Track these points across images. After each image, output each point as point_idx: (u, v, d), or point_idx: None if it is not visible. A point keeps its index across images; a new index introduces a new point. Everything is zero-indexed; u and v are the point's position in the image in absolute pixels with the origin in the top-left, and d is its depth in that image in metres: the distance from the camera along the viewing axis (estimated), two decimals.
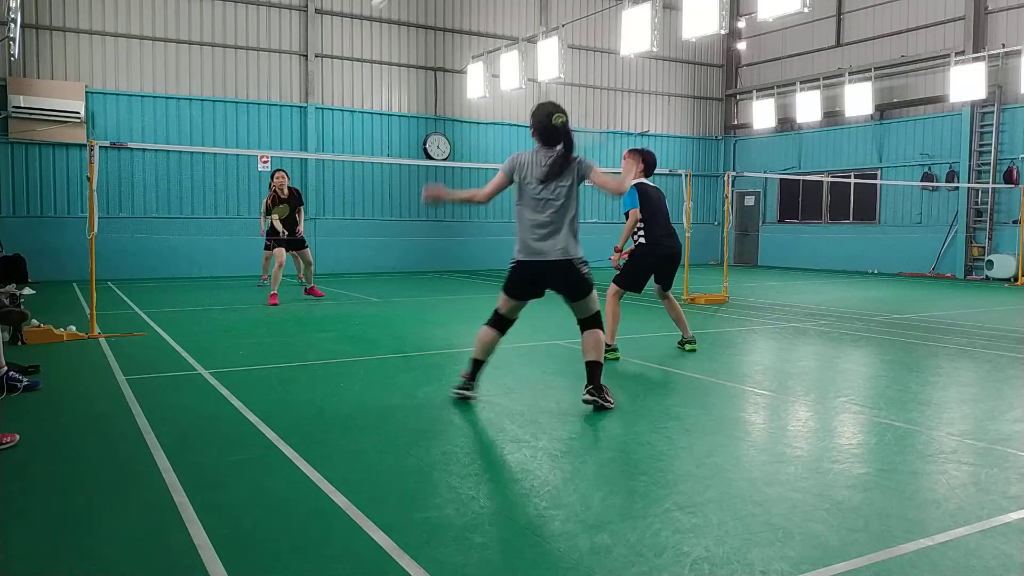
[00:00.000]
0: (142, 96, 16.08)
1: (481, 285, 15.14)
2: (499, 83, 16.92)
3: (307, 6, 17.56)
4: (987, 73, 16.58)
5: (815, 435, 4.60)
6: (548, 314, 10.13)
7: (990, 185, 17.29)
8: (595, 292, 5.05)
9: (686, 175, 12.42)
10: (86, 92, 15.44)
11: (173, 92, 16.39)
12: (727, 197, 13.36)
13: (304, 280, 11.92)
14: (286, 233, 11.16)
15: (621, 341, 7.29)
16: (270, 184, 11.49)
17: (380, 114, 18.60)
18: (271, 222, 11.28)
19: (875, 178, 19.66)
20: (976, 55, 17.03)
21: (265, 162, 17.27)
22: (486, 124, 19.86)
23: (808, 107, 20.05)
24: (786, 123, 21.57)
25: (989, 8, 17.49)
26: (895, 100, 19.37)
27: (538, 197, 4.93)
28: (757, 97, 21.93)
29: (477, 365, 5.21)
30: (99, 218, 8.40)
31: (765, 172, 21.25)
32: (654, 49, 12.90)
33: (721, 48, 23.36)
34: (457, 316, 10.26)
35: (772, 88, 21.76)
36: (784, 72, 21.91)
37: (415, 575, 2.67)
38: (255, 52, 17.19)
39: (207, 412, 4.95)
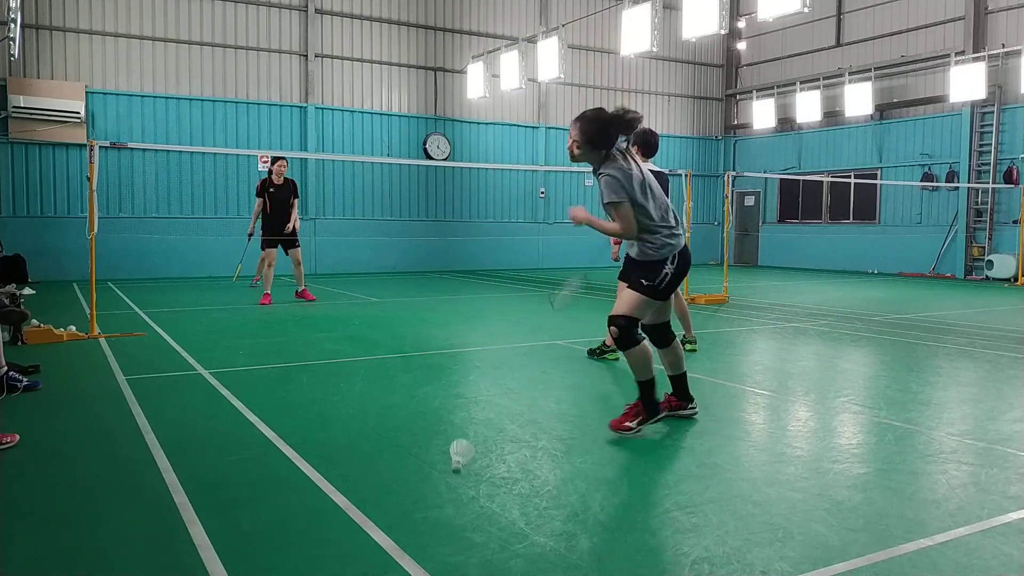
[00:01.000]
0: (142, 96, 16.07)
1: (481, 285, 15.14)
2: (499, 83, 16.91)
3: (307, 6, 17.56)
4: (987, 73, 16.58)
5: (815, 435, 4.60)
6: (548, 314, 10.13)
7: (990, 185, 17.28)
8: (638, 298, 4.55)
9: (686, 175, 12.42)
10: (86, 92, 15.44)
11: (173, 92, 16.39)
12: (727, 197, 13.36)
13: (296, 282, 11.77)
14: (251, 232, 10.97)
15: None
16: (269, 170, 11.27)
17: (380, 114, 18.60)
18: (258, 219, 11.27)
19: (875, 178, 19.66)
20: (976, 55, 17.03)
21: (265, 162, 17.25)
22: (486, 124, 19.87)
23: (808, 107, 20.05)
24: (786, 123, 21.57)
25: (989, 8, 17.49)
26: (895, 100, 19.36)
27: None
28: (757, 97, 21.93)
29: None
30: (99, 218, 8.40)
31: (765, 172, 21.26)
32: (654, 49, 12.89)
33: (721, 48, 23.36)
34: (457, 316, 10.26)
35: (772, 88, 21.76)
36: (784, 72, 21.90)
37: (415, 575, 2.67)
38: (255, 52, 17.19)
39: (207, 412, 4.95)
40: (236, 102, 16.98)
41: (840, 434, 4.65)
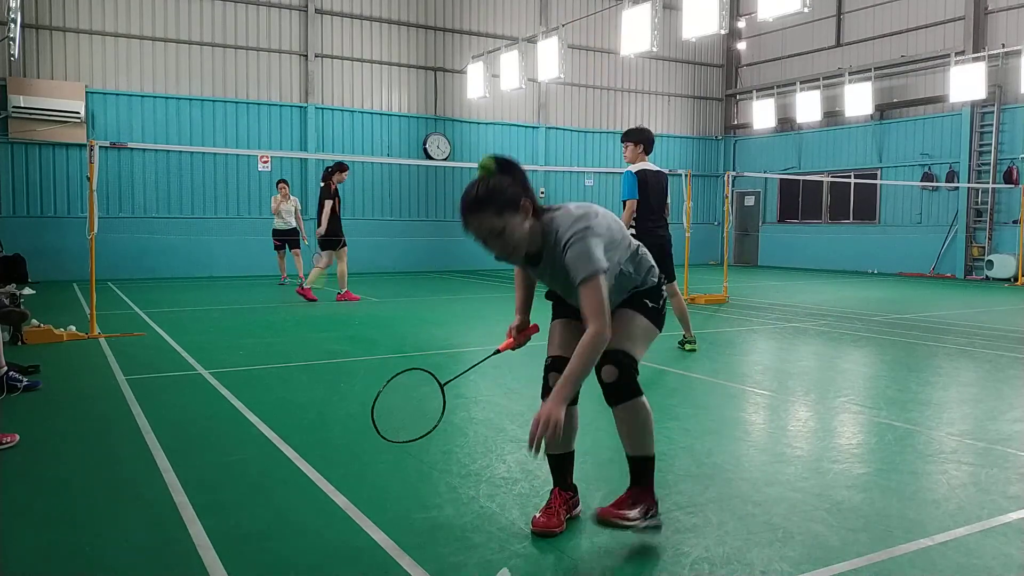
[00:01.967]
0: (142, 96, 16.07)
1: (481, 285, 15.14)
2: (499, 83, 16.92)
3: (307, 6, 17.56)
4: (987, 73, 16.58)
5: (815, 435, 4.60)
6: (548, 315, 10.14)
7: (990, 185, 17.29)
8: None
9: (686, 175, 12.42)
10: (86, 92, 15.44)
11: (173, 92, 16.39)
12: (727, 197, 13.36)
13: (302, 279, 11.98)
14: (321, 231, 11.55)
15: None
16: (332, 179, 11.54)
17: (380, 114, 18.60)
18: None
19: (875, 178, 19.66)
20: (976, 55, 17.03)
21: (265, 162, 17.27)
22: (486, 124, 19.87)
23: (808, 107, 20.05)
24: (786, 123, 21.57)
25: (989, 8, 17.49)
26: (895, 100, 19.37)
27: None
28: (757, 97, 21.93)
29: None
30: (99, 218, 8.41)
31: (765, 172, 21.26)
32: (654, 49, 12.90)
33: (721, 48, 23.36)
34: (457, 316, 10.26)
35: (772, 88, 21.76)
36: (784, 72, 21.90)
37: (415, 575, 2.67)
38: (255, 52, 17.19)
39: (207, 412, 4.95)
40: (236, 102, 16.98)
41: (840, 434, 4.65)
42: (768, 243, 22.71)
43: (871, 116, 19.60)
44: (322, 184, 11.65)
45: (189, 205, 16.60)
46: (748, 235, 23.31)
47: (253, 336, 8.20)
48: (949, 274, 18.05)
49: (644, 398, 3.11)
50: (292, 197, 14.42)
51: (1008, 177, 17.02)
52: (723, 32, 11.85)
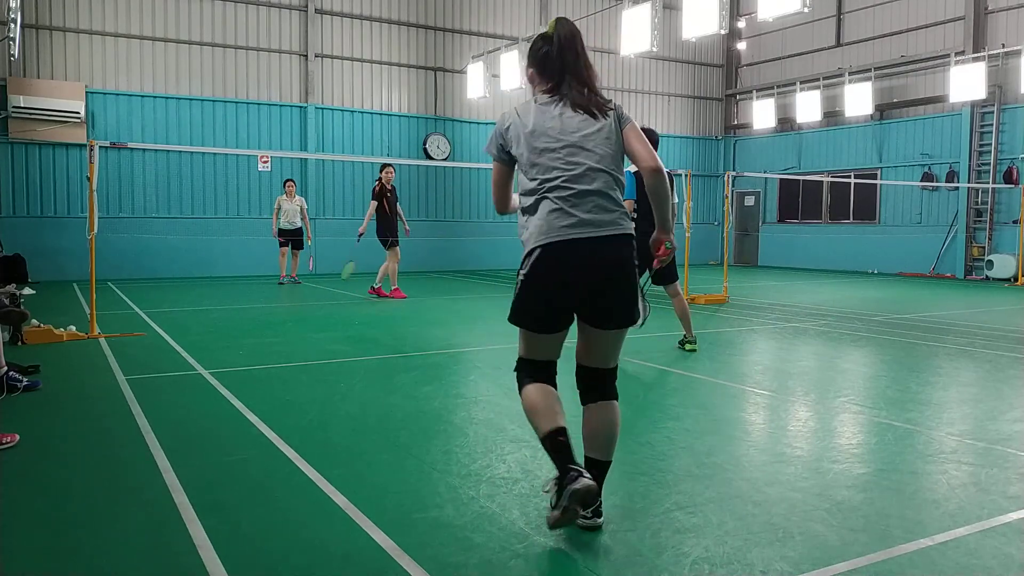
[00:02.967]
0: (142, 96, 16.07)
1: (481, 285, 15.15)
2: (499, 83, 16.92)
3: (307, 6, 17.56)
4: (987, 73, 16.58)
5: (815, 435, 4.60)
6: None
7: (990, 185, 17.28)
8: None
9: (686, 175, 12.42)
10: (86, 92, 15.44)
11: (173, 92, 16.39)
12: (727, 197, 13.36)
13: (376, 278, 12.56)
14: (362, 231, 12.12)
15: None
16: (380, 179, 12.07)
17: (380, 114, 18.60)
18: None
19: (875, 178, 19.66)
20: (976, 55, 17.03)
21: (265, 162, 17.27)
22: (486, 124, 19.86)
23: (808, 107, 20.05)
24: (786, 123, 21.57)
25: (989, 8, 17.49)
26: (895, 100, 19.37)
27: None
28: (757, 97, 21.93)
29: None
30: (99, 218, 8.41)
31: (765, 172, 21.26)
32: (654, 49, 12.91)
33: (721, 48, 23.36)
34: (457, 316, 10.26)
35: (772, 88, 21.76)
36: (784, 72, 21.90)
37: (415, 575, 2.67)
38: (255, 52, 17.19)
39: (207, 412, 4.95)
40: (236, 102, 16.98)
41: (840, 434, 4.65)
42: (768, 243, 22.71)
43: (871, 116, 19.60)
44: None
45: (189, 205, 16.60)
46: (748, 235, 23.31)
47: (253, 336, 8.20)
48: (949, 274, 18.05)
49: (527, 387, 3.17)
50: (298, 197, 14.43)
51: (1008, 177, 17.02)
52: (723, 32, 11.86)
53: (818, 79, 20.45)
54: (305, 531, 3.03)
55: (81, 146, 15.02)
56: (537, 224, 3.05)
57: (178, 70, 16.46)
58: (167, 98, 16.32)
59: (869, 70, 19.25)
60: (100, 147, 8.40)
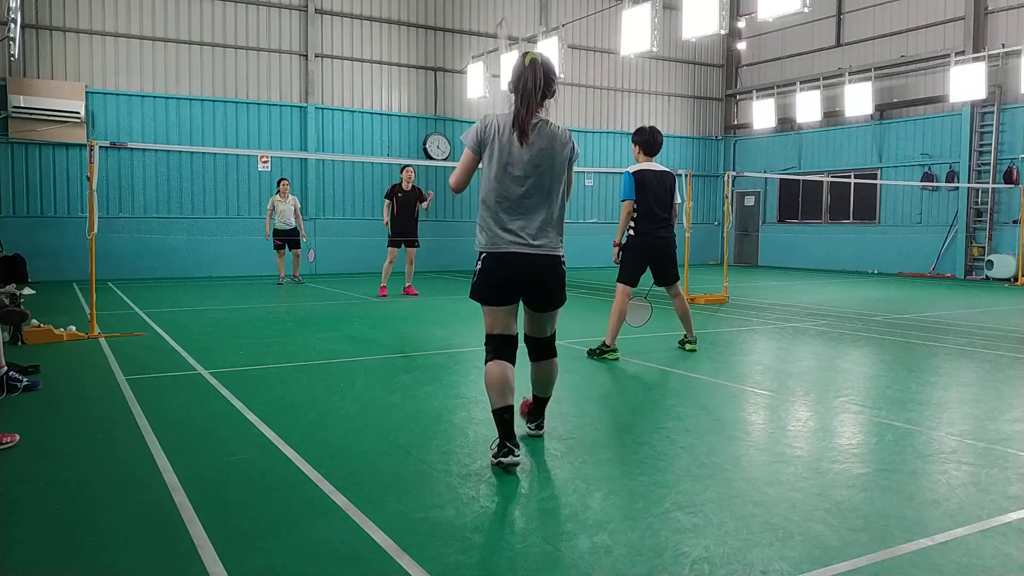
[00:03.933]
0: (142, 96, 16.08)
1: None
2: (499, 83, 16.92)
3: (307, 6, 17.56)
4: (987, 73, 16.58)
5: (815, 435, 4.60)
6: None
7: (990, 185, 17.29)
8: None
9: (686, 175, 12.41)
10: (86, 92, 15.44)
11: (173, 92, 16.39)
12: (727, 197, 13.36)
13: (405, 278, 12.75)
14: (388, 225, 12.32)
15: (621, 341, 7.29)
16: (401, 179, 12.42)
17: (380, 114, 18.60)
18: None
19: (875, 178, 19.66)
20: (976, 55, 17.03)
21: (265, 162, 17.27)
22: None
23: (808, 107, 20.05)
24: (786, 123, 21.57)
25: (989, 8, 17.49)
26: (895, 100, 19.37)
27: None
28: (757, 97, 21.93)
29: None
30: (99, 218, 8.41)
31: (765, 172, 21.26)
32: (654, 49, 12.91)
33: (721, 48, 23.36)
34: (457, 316, 10.26)
35: (772, 88, 21.76)
36: (784, 72, 21.91)
37: (415, 575, 2.67)
38: (255, 52, 17.19)
39: (207, 412, 4.95)
40: (236, 102, 16.98)
41: (840, 434, 4.65)
42: (768, 243, 22.71)
43: (871, 116, 19.60)
44: None
45: (189, 205, 16.60)
46: (748, 235, 23.31)
47: (253, 336, 8.20)
48: (949, 274, 18.05)
49: (489, 364, 3.96)
50: (291, 196, 14.41)
51: (1008, 177, 17.02)
52: (723, 32, 11.85)
53: (818, 79, 20.45)
54: (305, 531, 3.03)
55: (81, 146, 15.02)
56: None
57: (178, 70, 16.46)
58: (167, 98, 16.32)
59: (869, 70, 19.25)
60: (100, 147, 8.39)
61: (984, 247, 17.72)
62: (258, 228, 16.83)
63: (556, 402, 5.23)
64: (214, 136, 16.71)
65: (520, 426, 4.27)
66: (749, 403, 5.42)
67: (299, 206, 14.47)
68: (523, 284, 3.93)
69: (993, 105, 17.31)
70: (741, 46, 22.98)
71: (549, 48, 15.10)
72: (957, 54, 17.38)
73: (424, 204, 12.35)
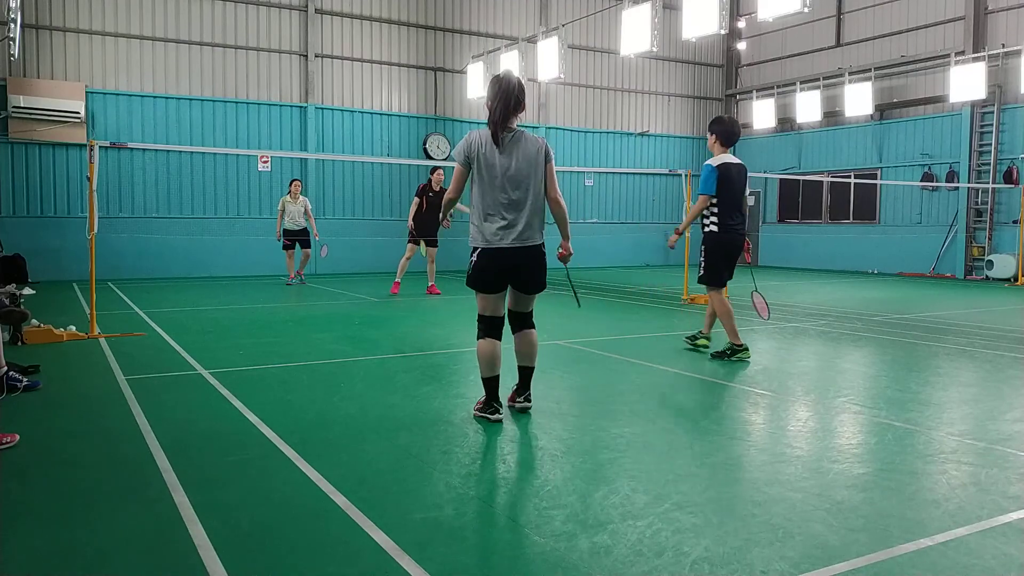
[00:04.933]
0: (142, 96, 16.07)
1: None
2: None
3: (307, 6, 17.56)
4: (987, 73, 16.57)
5: (815, 435, 4.60)
6: (547, 314, 10.12)
7: (990, 185, 17.28)
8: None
9: (686, 175, 12.41)
10: (86, 92, 15.44)
11: (173, 92, 16.39)
12: None
13: (428, 278, 13.00)
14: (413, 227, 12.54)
15: (621, 340, 7.29)
16: (429, 178, 12.65)
17: (380, 114, 18.60)
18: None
19: (875, 178, 19.66)
20: (976, 55, 17.03)
21: (265, 162, 17.27)
22: (486, 124, 19.84)
23: (808, 107, 20.04)
24: (786, 123, 21.57)
25: (989, 8, 17.49)
26: (895, 100, 19.36)
27: None
28: (757, 97, 21.93)
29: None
30: (99, 218, 8.41)
31: (765, 172, 21.25)
32: (654, 49, 12.90)
33: (721, 48, 23.36)
34: (457, 316, 10.25)
35: (772, 88, 21.76)
36: (784, 72, 21.90)
37: (415, 575, 2.67)
38: (255, 52, 17.19)
39: (207, 412, 4.95)
40: (236, 102, 16.98)
41: (840, 434, 4.65)
42: (768, 243, 22.71)
43: (871, 116, 19.60)
44: None
45: (189, 205, 16.60)
46: (748, 235, 23.28)
47: (253, 336, 8.20)
48: (949, 274, 18.05)
49: (480, 341, 4.77)
50: (301, 197, 14.35)
51: (1008, 177, 17.02)
52: (723, 32, 11.84)
53: (818, 79, 20.44)
54: (305, 531, 3.03)
55: (81, 146, 15.02)
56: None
57: (178, 70, 16.46)
58: (167, 98, 16.32)
59: (869, 70, 19.25)
60: (100, 147, 8.39)
61: (984, 247, 17.72)
62: (258, 228, 16.85)
63: (556, 402, 5.23)
64: (214, 136, 16.70)
65: (520, 423, 4.26)
66: (749, 403, 5.42)
67: (310, 207, 14.43)
68: (511, 273, 4.72)
69: (993, 105, 17.30)
70: (741, 46, 22.98)
71: (549, 48, 15.10)
72: (957, 54, 17.38)
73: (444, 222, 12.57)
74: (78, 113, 15.11)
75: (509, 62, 16.30)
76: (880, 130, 19.78)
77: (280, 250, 14.67)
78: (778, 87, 21.57)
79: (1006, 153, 17.34)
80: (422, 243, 12.55)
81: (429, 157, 18.78)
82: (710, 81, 23.61)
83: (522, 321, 4.90)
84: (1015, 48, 16.40)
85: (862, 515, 3.23)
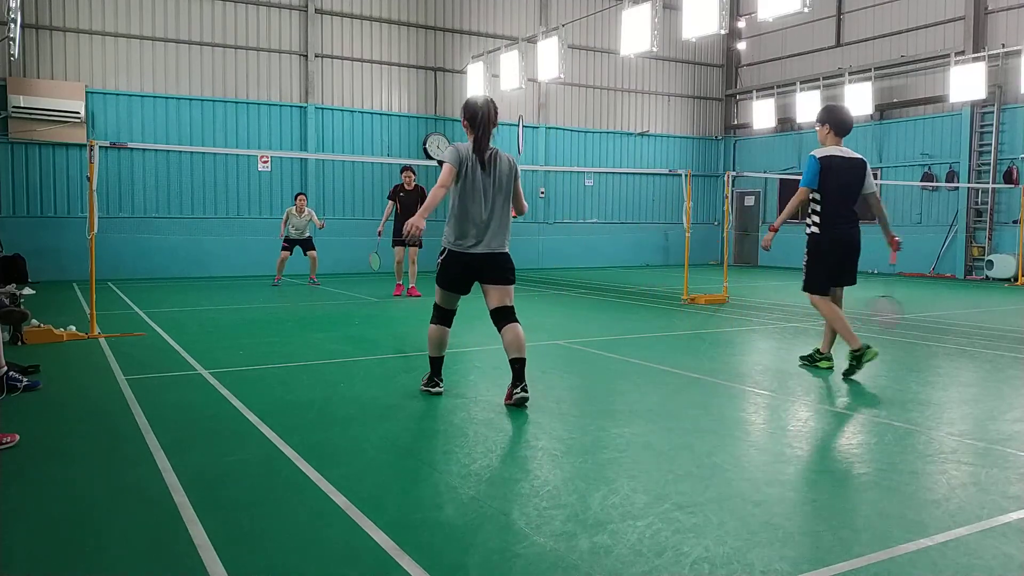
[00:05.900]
0: (142, 96, 16.07)
1: (479, 285, 15.11)
2: (499, 83, 16.92)
3: (307, 6, 17.56)
4: (987, 73, 16.57)
5: (815, 435, 4.60)
6: (547, 314, 10.13)
7: (990, 185, 17.28)
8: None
9: (686, 175, 12.41)
10: (86, 92, 15.44)
11: (173, 92, 16.39)
12: (727, 197, 13.35)
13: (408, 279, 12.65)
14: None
15: (621, 340, 7.28)
16: (401, 183, 12.47)
17: (380, 114, 18.60)
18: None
19: (875, 178, 19.62)
20: (976, 55, 17.03)
21: (265, 162, 17.27)
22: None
23: (808, 107, 20.02)
24: (786, 123, 21.57)
25: (989, 8, 17.49)
26: (895, 100, 19.36)
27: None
28: (757, 97, 21.93)
29: None
30: (99, 218, 8.40)
31: (765, 172, 21.25)
32: (654, 49, 12.90)
33: (721, 48, 23.36)
34: (457, 316, 10.25)
35: (772, 88, 21.76)
36: (784, 72, 21.90)
37: (415, 575, 2.67)
38: (255, 52, 17.19)
39: (207, 412, 4.95)
40: (236, 102, 16.98)
41: (840, 434, 4.65)
42: None
43: (871, 116, 19.59)
44: None
45: (189, 205, 16.60)
46: (748, 235, 23.30)
47: (253, 336, 8.20)
48: (949, 274, 18.04)
49: (431, 327, 5.42)
50: (308, 210, 14.26)
51: (1008, 177, 17.02)
52: (723, 32, 11.84)
53: (818, 79, 20.44)
54: (305, 531, 3.03)
55: (81, 146, 15.02)
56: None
57: (178, 70, 16.46)
58: (167, 98, 16.32)
59: (869, 70, 19.25)
60: (100, 147, 8.39)
61: (984, 247, 17.71)
62: (258, 228, 16.87)
63: (556, 402, 5.23)
64: (214, 136, 16.70)
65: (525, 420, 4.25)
66: (749, 403, 5.42)
67: (315, 218, 14.36)
68: (476, 273, 5.19)
69: (993, 105, 17.30)
70: (741, 46, 22.98)
71: (549, 48, 15.09)
72: (957, 54, 17.37)
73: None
74: (78, 113, 15.11)
75: (509, 62, 16.30)
76: (880, 130, 19.78)
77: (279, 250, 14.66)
78: (778, 87, 21.57)
79: (1006, 153, 17.33)
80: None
81: (429, 157, 18.77)
82: (710, 81, 23.61)
83: (505, 316, 5.14)
84: (1015, 48, 16.40)
85: (862, 515, 3.23)
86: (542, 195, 20.52)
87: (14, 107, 14.59)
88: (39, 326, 7.54)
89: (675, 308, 11.12)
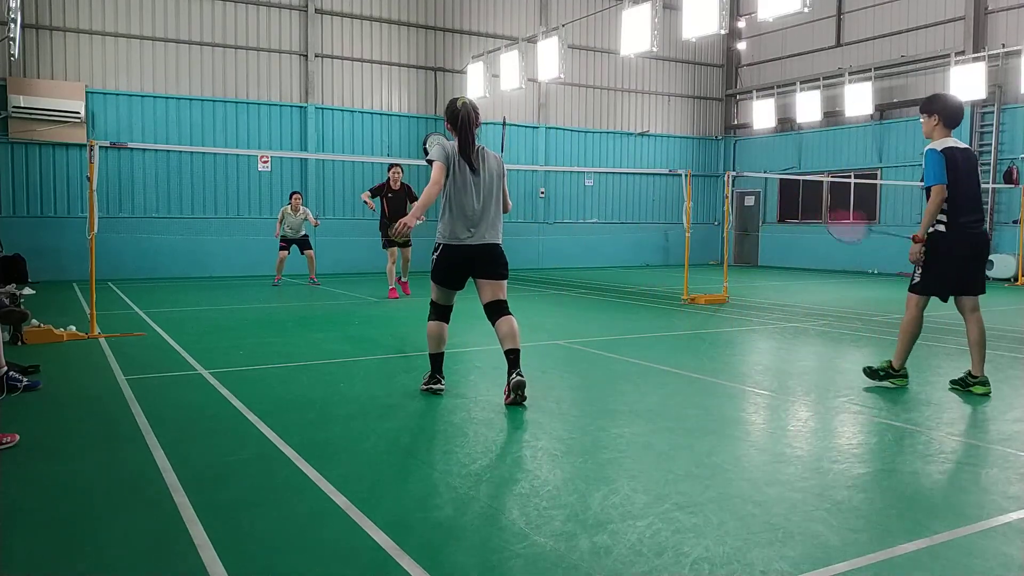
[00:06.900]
0: (142, 96, 16.08)
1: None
2: (499, 83, 16.92)
3: (307, 6, 17.57)
4: (987, 73, 16.58)
5: (815, 435, 4.60)
6: (547, 314, 10.13)
7: (990, 185, 17.26)
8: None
9: (686, 175, 12.41)
10: (86, 92, 15.44)
11: (173, 92, 16.39)
12: (727, 197, 13.35)
13: (401, 273, 12.53)
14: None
15: (621, 340, 7.28)
16: (387, 180, 12.15)
17: (380, 114, 18.60)
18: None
19: (875, 178, 19.66)
20: (976, 55, 17.03)
21: (265, 162, 17.27)
22: (486, 124, 19.82)
23: (808, 107, 20.05)
24: (786, 123, 21.57)
25: (989, 8, 17.49)
26: (895, 100, 19.36)
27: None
28: (757, 97, 21.93)
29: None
30: (99, 218, 8.41)
31: (765, 172, 21.26)
32: (654, 49, 12.91)
33: (721, 48, 23.36)
34: (457, 316, 10.23)
35: (772, 88, 21.76)
36: (784, 72, 21.91)
37: (415, 575, 2.67)
38: (255, 52, 17.20)
39: (207, 412, 4.95)
40: (236, 102, 16.98)
41: (840, 434, 4.65)
42: (768, 243, 22.71)
43: (871, 116, 19.60)
44: None
45: (189, 205, 16.60)
46: (748, 235, 23.31)
47: (253, 336, 8.20)
48: None
49: (430, 323, 5.41)
50: (303, 208, 14.27)
51: (1008, 177, 17.02)
52: (723, 32, 11.84)
53: (818, 79, 20.45)
54: (305, 531, 3.03)
55: (81, 146, 15.02)
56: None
57: (178, 70, 16.47)
58: (167, 98, 16.32)
59: (869, 70, 19.25)
60: (100, 147, 8.39)
61: None
62: (258, 228, 16.87)
63: (556, 402, 5.23)
64: (214, 136, 16.71)
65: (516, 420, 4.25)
66: (749, 403, 5.42)
67: (311, 216, 14.36)
68: (469, 266, 5.22)
69: (993, 105, 17.30)
70: (741, 46, 22.98)
71: (549, 48, 15.10)
72: (957, 54, 17.38)
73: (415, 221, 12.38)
74: (78, 113, 15.12)
75: (509, 62, 16.31)
76: (880, 130, 19.78)
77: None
78: (778, 87, 21.57)
79: (1006, 153, 17.33)
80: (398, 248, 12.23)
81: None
82: (710, 81, 23.61)
83: (499, 309, 5.25)
84: (1015, 48, 16.40)
85: (862, 515, 3.23)
86: (542, 195, 20.52)
87: (14, 107, 14.60)
88: (39, 326, 7.54)
89: (675, 308, 11.12)
